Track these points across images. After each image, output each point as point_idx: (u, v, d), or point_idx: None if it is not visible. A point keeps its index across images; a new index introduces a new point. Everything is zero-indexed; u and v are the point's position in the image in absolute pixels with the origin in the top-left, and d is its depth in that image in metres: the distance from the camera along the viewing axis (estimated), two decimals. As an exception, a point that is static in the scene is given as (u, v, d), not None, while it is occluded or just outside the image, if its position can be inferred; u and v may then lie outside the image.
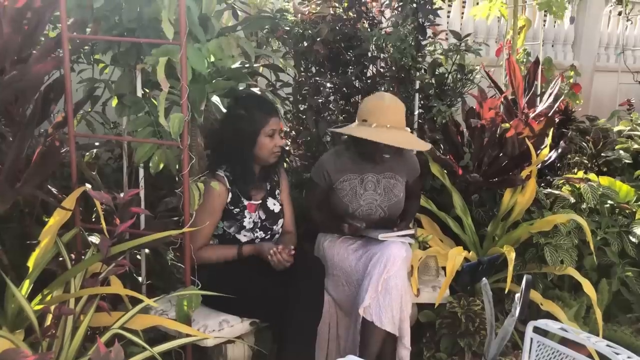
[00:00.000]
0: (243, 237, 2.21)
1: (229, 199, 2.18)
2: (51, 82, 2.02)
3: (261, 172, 2.26)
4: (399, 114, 2.26)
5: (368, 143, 2.21)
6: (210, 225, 2.14)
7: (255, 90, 2.55)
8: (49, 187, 1.99)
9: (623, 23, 5.37)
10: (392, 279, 2.11)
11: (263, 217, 2.24)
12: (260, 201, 2.24)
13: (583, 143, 3.66)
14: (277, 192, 2.32)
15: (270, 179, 2.29)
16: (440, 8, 3.03)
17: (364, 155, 2.32)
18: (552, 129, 2.98)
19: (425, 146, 2.34)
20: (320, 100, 2.96)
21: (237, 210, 2.19)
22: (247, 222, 2.20)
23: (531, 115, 3.08)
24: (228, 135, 2.16)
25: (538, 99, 3.43)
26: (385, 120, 2.21)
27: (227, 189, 2.17)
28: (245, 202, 2.20)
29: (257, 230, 2.23)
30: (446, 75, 3.03)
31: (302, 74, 3.04)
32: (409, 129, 2.32)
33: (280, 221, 2.29)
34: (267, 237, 2.27)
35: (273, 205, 2.28)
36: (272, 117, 2.18)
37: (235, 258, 2.17)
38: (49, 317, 1.62)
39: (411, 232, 2.29)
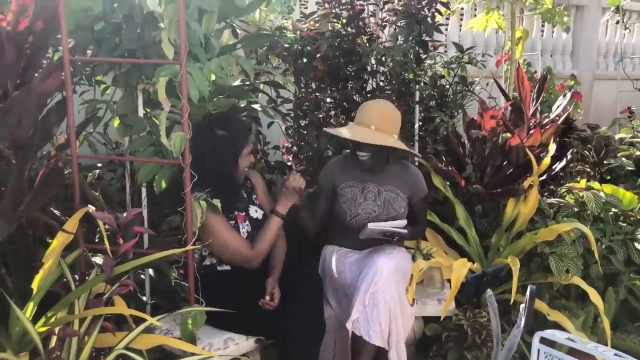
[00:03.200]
0: None
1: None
2: (53, 105, 2.04)
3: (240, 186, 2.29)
4: (373, 113, 2.29)
5: (350, 143, 2.35)
6: (233, 233, 2.15)
7: (256, 107, 2.58)
8: (52, 209, 2.00)
9: (621, 31, 5.39)
10: (379, 293, 2.10)
11: (249, 228, 2.25)
12: (244, 212, 2.26)
13: (585, 151, 3.66)
14: (254, 196, 2.33)
15: (244, 187, 2.32)
16: (441, 24, 3.06)
17: (359, 162, 2.34)
18: (551, 139, 2.98)
19: (380, 141, 2.26)
20: (320, 116, 2.98)
21: (233, 222, 2.21)
22: (243, 232, 2.22)
23: (533, 124, 3.10)
24: (210, 157, 2.13)
25: (538, 108, 3.44)
26: (359, 118, 2.32)
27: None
28: (235, 213, 2.23)
29: (250, 240, 2.22)
30: (447, 87, 3.05)
31: (302, 90, 3.06)
32: (392, 135, 2.30)
33: None
34: None
35: (255, 212, 2.29)
36: (251, 135, 2.23)
37: (282, 222, 2.21)
38: (54, 339, 1.62)
39: (403, 223, 2.30)
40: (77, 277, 1.86)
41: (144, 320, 1.73)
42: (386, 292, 2.11)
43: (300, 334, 2.04)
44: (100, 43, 2.11)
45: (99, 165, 2.60)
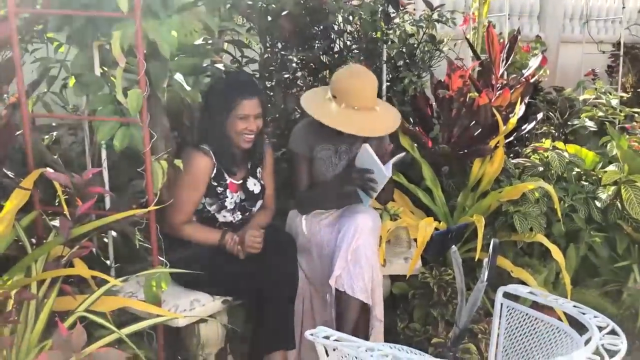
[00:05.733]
0: (222, 217, 2.18)
1: (213, 174, 2.14)
2: (2, 62, 1.94)
3: (244, 153, 2.21)
4: (368, 92, 2.24)
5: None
6: (194, 200, 2.11)
7: (220, 67, 2.50)
8: (5, 171, 1.92)
9: (587, -6, 5.44)
10: (360, 248, 2.12)
11: (243, 197, 2.21)
12: (240, 181, 2.21)
13: (550, 113, 3.70)
14: (258, 170, 2.28)
15: (253, 158, 2.25)
16: (413, -17, 3.01)
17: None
18: (519, 99, 2.99)
19: (391, 127, 2.32)
20: (287, 76, 2.92)
21: (221, 189, 2.15)
22: (229, 202, 2.17)
23: (501, 85, 3.10)
24: (205, 110, 2.13)
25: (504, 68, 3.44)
26: (353, 101, 2.20)
27: (213, 163, 2.13)
28: (228, 180, 2.16)
29: (237, 210, 2.21)
30: (416, 45, 3.02)
31: (268, 49, 2.98)
32: (379, 107, 2.29)
33: (259, 202, 2.27)
34: (244, 218, 2.24)
35: (253, 185, 2.24)
36: (247, 100, 2.10)
37: (215, 244, 2.12)
38: (10, 303, 1.57)
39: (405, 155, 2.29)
40: (34, 240, 1.81)
41: (107, 283, 1.70)
42: (367, 248, 2.13)
43: (274, 296, 2.04)
44: (51, -3, 2.00)
45: (54, 124, 2.50)
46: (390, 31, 2.95)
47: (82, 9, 1.98)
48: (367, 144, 2.12)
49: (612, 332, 1.45)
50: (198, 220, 2.18)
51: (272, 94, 2.99)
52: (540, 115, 3.25)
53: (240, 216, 2.22)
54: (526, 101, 3.09)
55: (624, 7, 5.08)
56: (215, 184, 2.14)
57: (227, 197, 2.16)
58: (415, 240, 2.40)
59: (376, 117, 2.26)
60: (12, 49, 1.81)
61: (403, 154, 2.25)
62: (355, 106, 2.19)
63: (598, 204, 2.82)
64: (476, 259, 2.37)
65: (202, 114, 2.17)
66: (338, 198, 2.33)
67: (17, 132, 1.90)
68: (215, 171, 2.14)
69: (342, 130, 2.17)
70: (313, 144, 2.34)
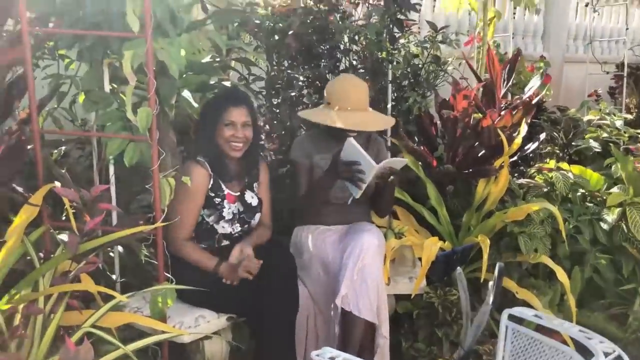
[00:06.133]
0: (221, 228, 2.19)
1: (210, 185, 2.17)
2: (14, 78, 1.97)
3: (238, 164, 2.24)
4: (360, 95, 2.36)
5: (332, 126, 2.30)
6: (194, 213, 2.13)
7: (227, 84, 2.53)
8: (15, 186, 1.94)
9: (590, 14, 5.47)
10: (367, 268, 2.12)
11: (241, 209, 2.23)
12: (238, 193, 2.23)
13: (554, 133, 3.72)
14: (255, 185, 2.31)
15: (249, 173, 2.28)
16: (417, 2, 3.04)
17: (333, 136, 2.37)
18: (523, 119, 3.01)
19: (383, 124, 2.49)
20: (293, 94, 2.95)
21: (218, 199, 2.17)
22: (227, 213, 2.18)
23: (504, 105, 3.12)
24: (198, 122, 2.21)
25: (510, 89, 3.46)
26: (345, 103, 2.32)
27: (210, 174, 2.17)
28: (225, 191, 2.19)
29: (235, 222, 2.22)
30: (421, 66, 3.05)
31: (275, 67, 3.02)
32: (370, 109, 2.40)
33: (258, 215, 2.28)
34: (244, 231, 2.25)
35: (251, 198, 2.26)
36: (232, 107, 2.16)
37: (210, 269, 2.12)
38: (17, 317, 1.58)
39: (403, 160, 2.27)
40: (42, 255, 1.81)
41: (113, 298, 1.71)
42: (373, 267, 2.14)
43: (275, 314, 2.03)
44: (62, 16, 2.03)
45: (63, 140, 2.52)
46: (396, 51, 2.98)
47: (93, 27, 2.02)
48: (351, 138, 2.17)
49: (618, 358, 1.45)
50: (197, 233, 2.18)
51: (278, 111, 3.03)
52: (543, 135, 3.27)
53: (239, 228, 2.23)
54: (529, 121, 3.11)
55: (627, 28, 5.12)
56: (213, 194, 2.17)
57: (224, 207, 2.17)
58: (420, 259, 2.40)
59: (369, 115, 2.39)
60: (25, 65, 1.83)
61: (404, 160, 2.26)
62: (348, 107, 2.31)
63: (604, 225, 2.81)
64: (481, 280, 2.36)
65: (196, 126, 2.25)
66: (336, 203, 2.37)
67: (28, 147, 1.92)
68: (212, 182, 2.17)
69: (335, 125, 2.26)
70: (312, 153, 2.41)
